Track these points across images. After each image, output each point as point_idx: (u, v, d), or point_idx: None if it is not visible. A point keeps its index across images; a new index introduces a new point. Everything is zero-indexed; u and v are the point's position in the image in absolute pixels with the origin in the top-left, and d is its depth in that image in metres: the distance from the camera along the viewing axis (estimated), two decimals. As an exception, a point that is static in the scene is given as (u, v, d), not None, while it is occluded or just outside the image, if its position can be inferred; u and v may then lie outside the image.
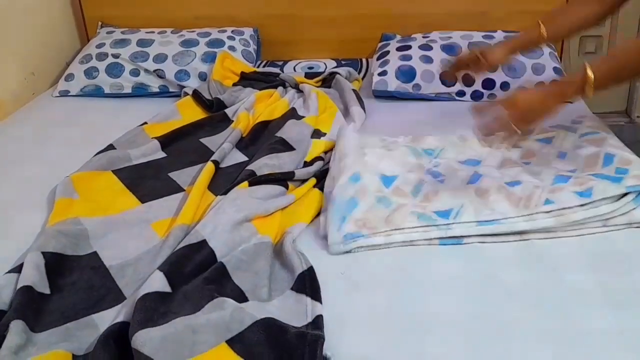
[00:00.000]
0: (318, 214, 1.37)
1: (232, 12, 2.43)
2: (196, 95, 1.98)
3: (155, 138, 1.71)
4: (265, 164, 1.52)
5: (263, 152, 1.59)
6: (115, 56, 2.17)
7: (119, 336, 1.00)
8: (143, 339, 0.95)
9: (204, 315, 1.02)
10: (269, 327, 1.00)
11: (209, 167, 1.52)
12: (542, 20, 1.52)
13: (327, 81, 2.12)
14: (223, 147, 1.64)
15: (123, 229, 1.33)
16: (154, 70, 2.14)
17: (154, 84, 2.15)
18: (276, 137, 1.67)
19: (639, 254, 1.20)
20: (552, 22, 1.51)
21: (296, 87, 2.07)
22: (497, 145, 1.41)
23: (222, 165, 1.59)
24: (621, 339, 1.00)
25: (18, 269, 1.16)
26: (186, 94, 2.04)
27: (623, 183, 1.27)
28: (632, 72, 1.31)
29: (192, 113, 1.91)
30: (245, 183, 1.42)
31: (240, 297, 1.11)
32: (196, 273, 1.15)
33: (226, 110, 1.88)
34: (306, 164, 1.57)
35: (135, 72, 2.15)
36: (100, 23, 2.46)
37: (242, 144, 1.71)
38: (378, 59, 2.16)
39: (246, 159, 1.63)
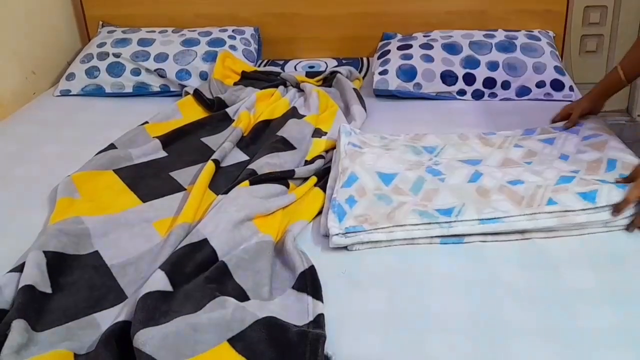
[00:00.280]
0: (319, 213, 1.37)
1: (233, 10, 2.43)
2: (197, 95, 1.98)
3: (156, 137, 1.71)
4: (266, 163, 1.52)
5: (264, 151, 1.59)
6: (116, 55, 2.18)
7: (121, 335, 1.00)
8: (144, 338, 0.95)
9: (205, 314, 1.02)
10: (271, 326, 1.00)
11: (209, 166, 1.52)
12: (621, 65, 1.55)
13: (328, 80, 2.12)
14: (224, 146, 1.64)
15: (124, 228, 1.33)
16: (155, 70, 2.14)
17: (155, 84, 2.15)
18: (277, 136, 1.68)
19: (639, 253, 1.21)
20: (629, 64, 1.55)
21: (297, 86, 2.07)
22: None
23: (223, 164, 1.59)
24: (622, 337, 1.00)
25: (19, 268, 1.16)
26: (187, 93, 2.04)
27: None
28: None
29: (193, 112, 1.91)
30: (246, 182, 1.42)
31: (242, 296, 1.11)
32: (197, 272, 1.15)
33: (227, 110, 1.88)
34: (307, 163, 1.58)
35: (136, 72, 2.15)
36: (101, 22, 2.47)
37: (243, 143, 1.71)
38: (379, 58, 2.16)
39: (247, 158, 1.63)
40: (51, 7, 2.37)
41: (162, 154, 1.66)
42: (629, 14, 2.54)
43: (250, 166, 1.51)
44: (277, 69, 2.27)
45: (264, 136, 1.74)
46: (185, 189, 1.48)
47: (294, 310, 1.07)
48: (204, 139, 1.73)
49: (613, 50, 2.60)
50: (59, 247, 1.23)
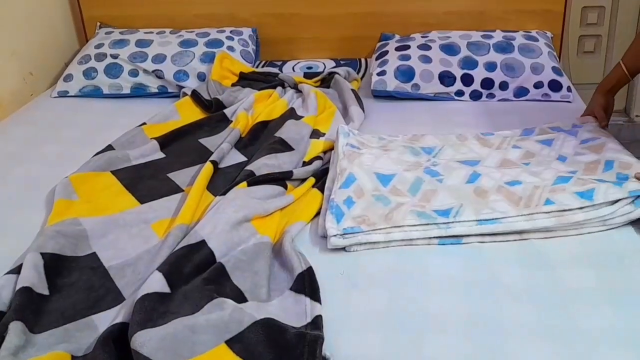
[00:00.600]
0: (317, 214, 1.37)
1: (231, 10, 2.43)
2: (195, 96, 1.98)
3: (154, 138, 1.71)
4: (264, 164, 1.52)
5: (262, 152, 1.59)
6: (114, 57, 2.17)
7: (118, 337, 1.00)
8: (142, 340, 0.95)
9: (203, 315, 1.02)
10: (268, 328, 1.00)
11: (207, 168, 1.52)
12: (623, 61, 1.57)
13: (326, 81, 2.12)
14: (222, 147, 1.64)
15: (122, 230, 1.33)
16: (153, 71, 2.14)
17: (153, 85, 2.15)
18: (275, 137, 1.67)
19: (638, 253, 1.20)
20: (632, 59, 1.57)
21: (295, 87, 2.07)
22: None
23: (221, 165, 1.59)
24: (620, 337, 1.00)
25: (17, 269, 1.16)
26: (185, 94, 2.04)
27: (625, 187, 1.27)
28: None
29: (191, 113, 1.91)
30: (244, 183, 1.42)
31: (240, 297, 1.11)
32: (195, 273, 1.15)
33: (225, 111, 1.88)
34: (305, 164, 1.58)
35: (134, 73, 2.15)
36: (98, 23, 2.46)
37: (241, 144, 1.71)
38: (377, 58, 2.16)
39: (245, 159, 1.63)
40: (49, 7, 2.37)
41: (160, 155, 1.66)
42: (627, 15, 2.55)
43: (248, 167, 1.51)
44: (275, 70, 2.27)
45: (262, 137, 1.74)
46: (183, 190, 1.48)
47: (292, 311, 1.07)
48: (201, 140, 1.73)
49: (611, 51, 2.61)
50: (57, 248, 1.22)
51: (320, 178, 1.50)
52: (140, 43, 2.22)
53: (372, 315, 1.07)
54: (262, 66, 2.38)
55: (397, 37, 2.31)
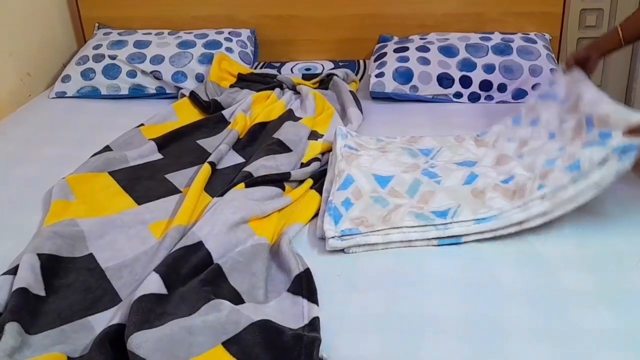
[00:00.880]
0: (315, 215, 1.37)
1: (229, 12, 2.43)
2: (193, 97, 1.98)
3: (152, 139, 1.70)
4: (262, 166, 1.52)
5: (260, 154, 1.58)
6: (112, 57, 2.17)
7: (115, 338, 0.99)
8: (139, 341, 0.94)
9: (200, 317, 1.02)
10: (265, 329, 1.00)
11: (205, 169, 1.51)
12: (621, 27, 1.56)
13: (325, 82, 2.12)
14: (220, 148, 1.63)
15: (119, 231, 1.33)
16: (151, 72, 2.13)
17: (151, 86, 2.15)
18: (273, 138, 1.67)
19: (636, 254, 1.20)
20: (629, 26, 1.56)
21: (293, 88, 2.06)
22: None
23: (219, 166, 1.59)
24: (618, 338, 1.00)
25: (13, 270, 1.16)
26: (183, 95, 2.03)
27: (609, 145, 1.25)
28: None
29: (189, 114, 1.91)
30: (242, 184, 1.42)
31: (237, 298, 1.11)
32: (192, 275, 1.15)
33: (223, 112, 1.88)
34: (303, 166, 1.57)
35: (132, 74, 2.14)
36: (97, 24, 2.46)
37: (239, 146, 1.70)
38: (375, 60, 2.16)
39: (243, 160, 1.63)
40: (47, 8, 2.37)
41: (158, 156, 1.66)
42: (626, 13, 2.54)
43: (246, 168, 1.51)
44: (274, 71, 2.27)
45: (260, 138, 1.74)
46: (180, 192, 1.48)
47: (289, 313, 1.07)
48: (199, 141, 1.73)
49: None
50: (54, 249, 1.22)
51: (319, 179, 1.50)
52: (138, 44, 2.22)
53: (370, 317, 1.06)
54: (261, 67, 2.38)
55: (396, 38, 2.31)
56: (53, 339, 1.03)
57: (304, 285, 1.12)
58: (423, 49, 2.12)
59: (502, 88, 2.02)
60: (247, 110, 1.90)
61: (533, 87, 1.97)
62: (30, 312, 1.07)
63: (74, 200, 1.42)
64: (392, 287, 1.14)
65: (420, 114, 1.95)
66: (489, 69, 2.04)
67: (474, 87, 2.03)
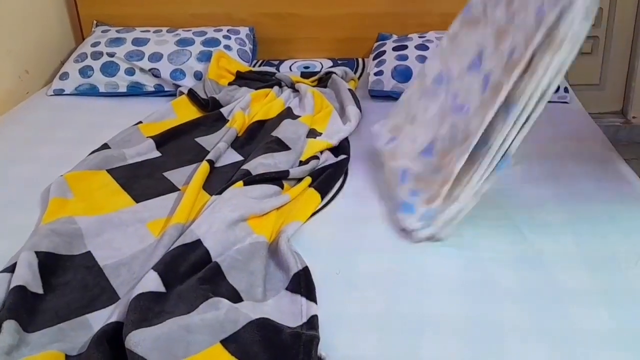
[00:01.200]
0: (314, 213, 1.37)
1: (228, 10, 2.43)
2: (192, 95, 1.97)
3: (150, 137, 1.70)
4: (260, 164, 1.52)
5: (258, 152, 1.58)
6: (110, 55, 2.17)
7: (113, 336, 0.99)
8: (137, 339, 0.94)
9: (198, 315, 1.02)
10: (264, 327, 1.00)
11: (204, 167, 1.51)
12: None
13: (323, 81, 2.12)
14: (218, 146, 1.63)
15: (117, 229, 1.32)
16: (149, 69, 2.13)
17: (149, 83, 2.14)
18: (272, 136, 1.67)
19: (635, 253, 1.20)
20: None
21: (292, 86, 2.06)
22: None
23: (218, 164, 1.59)
24: (617, 338, 1.00)
25: (11, 268, 1.15)
26: (181, 93, 2.03)
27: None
28: None
29: (187, 112, 1.90)
30: (240, 183, 1.42)
31: (235, 297, 1.11)
32: (191, 273, 1.15)
33: (222, 110, 1.87)
34: (301, 164, 1.57)
35: (130, 71, 2.14)
36: (95, 22, 2.46)
37: (238, 144, 1.70)
38: (374, 58, 2.16)
39: (241, 158, 1.63)
40: (45, 6, 2.36)
41: (156, 154, 1.66)
42: (624, 16, 2.55)
43: (245, 166, 1.51)
44: (272, 69, 2.27)
45: (259, 136, 1.74)
46: (179, 190, 1.48)
47: (287, 311, 1.07)
48: (198, 139, 1.73)
49: (608, 52, 2.61)
50: (51, 247, 1.22)
51: (317, 178, 1.50)
52: (136, 41, 2.21)
53: (369, 316, 1.06)
54: (259, 65, 2.38)
55: (395, 37, 2.31)
56: (51, 337, 1.03)
57: (302, 284, 1.12)
58: (422, 47, 2.11)
59: (501, 87, 2.02)
60: (245, 108, 1.89)
61: None
62: (28, 310, 1.07)
63: (72, 198, 1.41)
64: (390, 286, 1.14)
65: (419, 112, 1.95)
66: (488, 67, 2.03)
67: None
